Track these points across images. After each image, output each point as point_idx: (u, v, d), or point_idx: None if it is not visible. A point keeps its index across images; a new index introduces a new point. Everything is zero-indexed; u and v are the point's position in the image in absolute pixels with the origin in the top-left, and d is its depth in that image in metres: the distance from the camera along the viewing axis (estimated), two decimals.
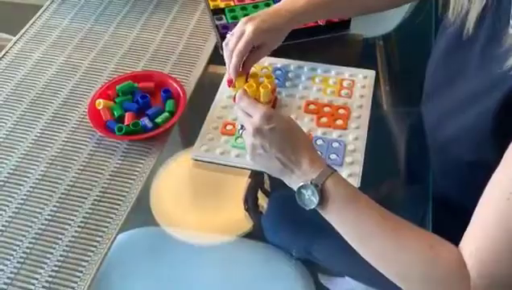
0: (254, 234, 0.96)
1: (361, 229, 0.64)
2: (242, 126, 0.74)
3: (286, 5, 0.85)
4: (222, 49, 1.01)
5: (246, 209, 0.90)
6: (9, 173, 0.84)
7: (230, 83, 0.82)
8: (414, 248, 0.60)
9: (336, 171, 0.66)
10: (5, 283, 0.71)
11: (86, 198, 0.80)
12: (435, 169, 0.78)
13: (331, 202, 0.64)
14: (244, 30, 0.81)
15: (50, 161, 0.85)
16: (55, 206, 0.79)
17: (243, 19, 0.83)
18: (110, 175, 0.83)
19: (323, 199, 0.64)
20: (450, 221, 0.78)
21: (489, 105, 0.59)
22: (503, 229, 0.54)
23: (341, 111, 0.88)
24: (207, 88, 0.98)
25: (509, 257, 0.55)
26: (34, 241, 0.75)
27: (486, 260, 0.56)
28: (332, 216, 0.65)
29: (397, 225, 0.62)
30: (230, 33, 0.84)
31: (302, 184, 0.65)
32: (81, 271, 0.72)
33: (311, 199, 0.65)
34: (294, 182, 0.67)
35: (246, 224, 0.90)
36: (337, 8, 0.89)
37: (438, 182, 0.78)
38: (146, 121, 0.87)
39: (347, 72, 0.95)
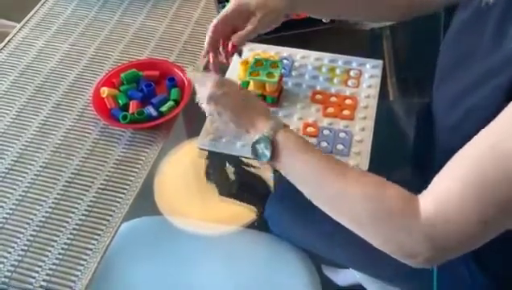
0: (258, 225, 0.95)
1: (310, 177, 0.66)
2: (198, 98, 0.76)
3: None
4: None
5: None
6: (13, 161, 0.83)
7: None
8: (360, 188, 0.61)
9: (287, 125, 0.69)
10: (8, 271, 0.71)
11: (90, 186, 0.79)
12: (442, 156, 0.78)
13: (282, 154, 0.67)
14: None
15: (54, 149, 0.85)
16: (59, 194, 0.79)
17: None
18: (115, 163, 0.82)
19: (274, 151, 0.67)
20: None
21: (502, 83, 0.58)
22: (474, 172, 0.54)
23: (348, 101, 0.87)
24: None
25: (464, 202, 0.54)
26: (38, 229, 0.75)
27: (445, 203, 0.56)
28: (284, 166, 0.67)
29: (344, 170, 0.64)
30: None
31: (255, 139, 0.68)
32: (85, 260, 0.71)
33: (264, 152, 0.67)
34: (249, 140, 0.70)
35: (250, 214, 0.90)
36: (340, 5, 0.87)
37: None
38: (150, 109, 0.86)
39: (354, 61, 0.94)
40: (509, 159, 0.52)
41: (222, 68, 0.96)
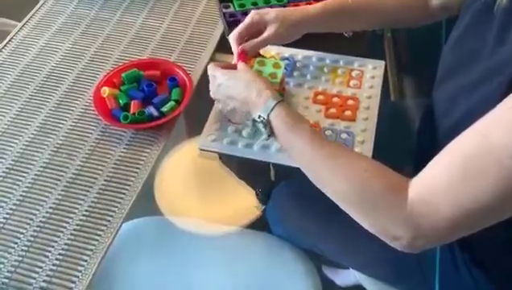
0: (259, 225, 0.95)
1: (303, 154, 0.68)
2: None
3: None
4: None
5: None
6: (13, 161, 0.83)
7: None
8: (351, 168, 0.64)
9: (280, 100, 0.71)
10: (9, 271, 0.70)
11: (91, 187, 0.79)
12: None
13: (276, 133, 0.71)
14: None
15: (55, 149, 0.84)
16: (59, 194, 0.78)
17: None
18: (115, 163, 0.82)
19: (271, 131, 0.71)
20: None
21: (502, 81, 0.58)
22: (457, 165, 0.55)
23: (350, 102, 0.87)
24: None
25: (445, 193, 0.55)
26: (38, 229, 0.75)
27: (429, 191, 0.57)
28: (280, 143, 0.72)
29: (336, 149, 0.67)
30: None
31: (254, 118, 0.72)
32: (86, 260, 0.71)
33: (261, 130, 0.72)
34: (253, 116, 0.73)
35: (251, 214, 0.90)
36: (353, 17, 0.89)
37: None
38: (151, 109, 0.86)
39: (356, 62, 0.94)
40: (492, 148, 0.52)
41: None
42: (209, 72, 0.80)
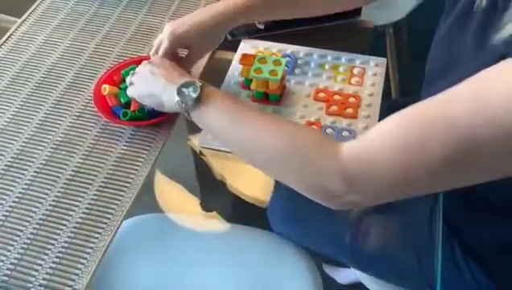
0: (259, 223, 0.95)
1: (233, 122, 0.68)
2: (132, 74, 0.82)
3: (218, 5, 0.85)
4: (230, 35, 1.00)
5: None
6: (13, 158, 0.82)
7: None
8: (278, 125, 0.64)
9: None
10: (8, 269, 0.70)
11: (91, 184, 0.79)
12: None
13: (209, 98, 0.69)
14: (162, 38, 0.84)
15: (54, 146, 0.84)
16: (59, 192, 0.78)
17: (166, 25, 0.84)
18: (115, 161, 0.82)
19: (202, 94, 0.69)
20: (461, 209, 0.77)
21: None
22: (398, 124, 0.55)
23: (352, 100, 0.86)
24: (214, 74, 0.97)
25: (384, 151, 0.55)
26: (38, 227, 0.74)
27: (363, 144, 0.57)
28: (209, 111, 0.70)
29: (266, 117, 0.67)
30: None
31: (184, 82, 0.72)
32: (86, 258, 0.71)
33: (190, 95, 0.70)
34: (175, 86, 0.72)
35: (251, 212, 0.90)
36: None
37: None
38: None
39: (358, 59, 0.93)
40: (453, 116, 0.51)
41: (224, 66, 0.96)
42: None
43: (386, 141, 0.55)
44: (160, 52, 0.83)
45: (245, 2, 0.83)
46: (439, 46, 0.73)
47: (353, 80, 0.89)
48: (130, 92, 0.82)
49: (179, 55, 0.86)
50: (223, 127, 0.69)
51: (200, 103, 0.70)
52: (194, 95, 0.70)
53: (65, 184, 0.79)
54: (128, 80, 0.83)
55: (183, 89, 0.71)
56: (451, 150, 0.51)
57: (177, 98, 0.71)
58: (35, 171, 0.81)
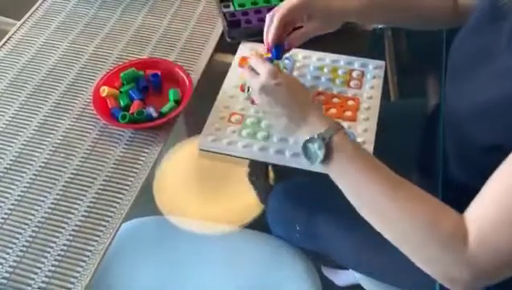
0: (259, 226, 0.95)
1: (363, 187, 0.63)
2: (249, 88, 0.74)
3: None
4: (229, 37, 1.00)
5: (252, 181, 0.88)
6: (11, 160, 0.82)
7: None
8: (416, 211, 0.59)
9: (343, 127, 0.66)
10: (7, 272, 0.70)
11: (90, 187, 0.79)
12: (450, 156, 0.77)
13: (335, 157, 0.63)
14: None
15: (53, 148, 0.84)
16: (58, 194, 0.78)
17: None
18: (114, 163, 0.82)
19: (328, 153, 0.63)
20: (462, 206, 0.77)
21: None
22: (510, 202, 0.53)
23: (351, 102, 0.86)
24: (213, 76, 0.97)
25: (507, 235, 0.54)
26: (37, 229, 0.74)
27: (487, 230, 0.55)
28: (335, 171, 0.65)
29: (401, 186, 0.61)
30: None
31: (309, 137, 0.65)
32: (84, 261, 0.71)
33: (316, 153, 0.64)
34: (300, 136, 0.67)
35: (251, 214, 0.90)
36: (391, 10, 0.86)
37: (452, 170, 0.77)
38: (151, 110, 0.86)
39: (357, 62, 0.93)
40: None
41: (222, 69, 0.96)
42: (248, 66, 0.75)
43: (506, 224, 0.54)
44: (283, 8, 0.77)
45: (378, 5, 0.83)
46: (465, 41, 0.72)
47: (352, 83, 0.90)
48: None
49: (296, 25, 0.80)
50: (350, 195, 0.64)
51: (326, 163, 0.65)
52: (320, 155, 0.64)
53: (64, 186, 0.79)
54: (247, 93, 0.77)
55: (309, 145, 0.66)
56: None
57: (302, 154, 0.66)
58: (33, 174, 0.80)
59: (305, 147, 0.66)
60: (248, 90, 0.75)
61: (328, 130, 0.65)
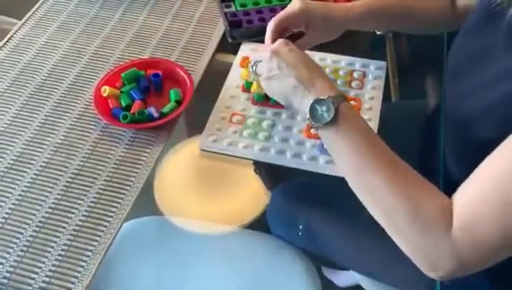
0: (259, 226, 0.95)
1: (362, 157, 0.63)
2: (255, 63, 0.75)
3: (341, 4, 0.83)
4: (230, 37, 1.00)
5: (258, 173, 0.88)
6: (12, 160, 0.82)
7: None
8: (403, 191, 0.59)
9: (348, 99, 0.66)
10: (8, 272, 0.70)
11: (91, 187, 0.79)
12: (451, 156, 0.77)
13: (343, 123, 0.64)
14: (290, 6, 0.80)
15: (54, 148, 0.84)
16: (59, 194, 0.78)
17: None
18: (116, 163, 0.82)
19: (336, 117, 0.64)
20: None
21: None
22: (499, 190, 0.53)
23: (352, 103, 0.86)
24: (214, 77, 0.97)
25: (490, 220, 0.54)
26: (37, 229, 0.74)
27: (470, 215, 0.55)
28: (336, 137, 0.65)
29: (398, 166, 0.62)
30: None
31: (317, 98, 0.65)
32: (85, 261, 0.71)
33: (323, 115, 0.64)
34: (307, 98, 0.67)
35: (251, 214, 0.90)
36: (394, 15, 0.86)
37: (453, 170, 0.77)
38: (152, 110, 0.86)
39: (358, 63, 0.93)
40: None
41: (223, 69, 0.96)
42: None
43: (490, 210, 0.54)
44: (282, 15, 0.79)
45: (378, 13, 0.84)
46: (464, 42, 0.73)
47: (354, 84, 0.90)
48: (264, 87, 0.75)
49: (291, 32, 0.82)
50: (346, 163, 0.65)
51: (330, 126, 0.64)
52: (327, 117, 0.64)
53: (65, 186, 0.79)
54: (251, 68, 0.77)
55: (317, 106, 0.65)
56: None
57: (308, 115, 0.66)
58: (34, 174, 0.81)
59: (312, 108, 0.65)
60: (253, 66, 0.75)
61: (337, 95, 0.65)
